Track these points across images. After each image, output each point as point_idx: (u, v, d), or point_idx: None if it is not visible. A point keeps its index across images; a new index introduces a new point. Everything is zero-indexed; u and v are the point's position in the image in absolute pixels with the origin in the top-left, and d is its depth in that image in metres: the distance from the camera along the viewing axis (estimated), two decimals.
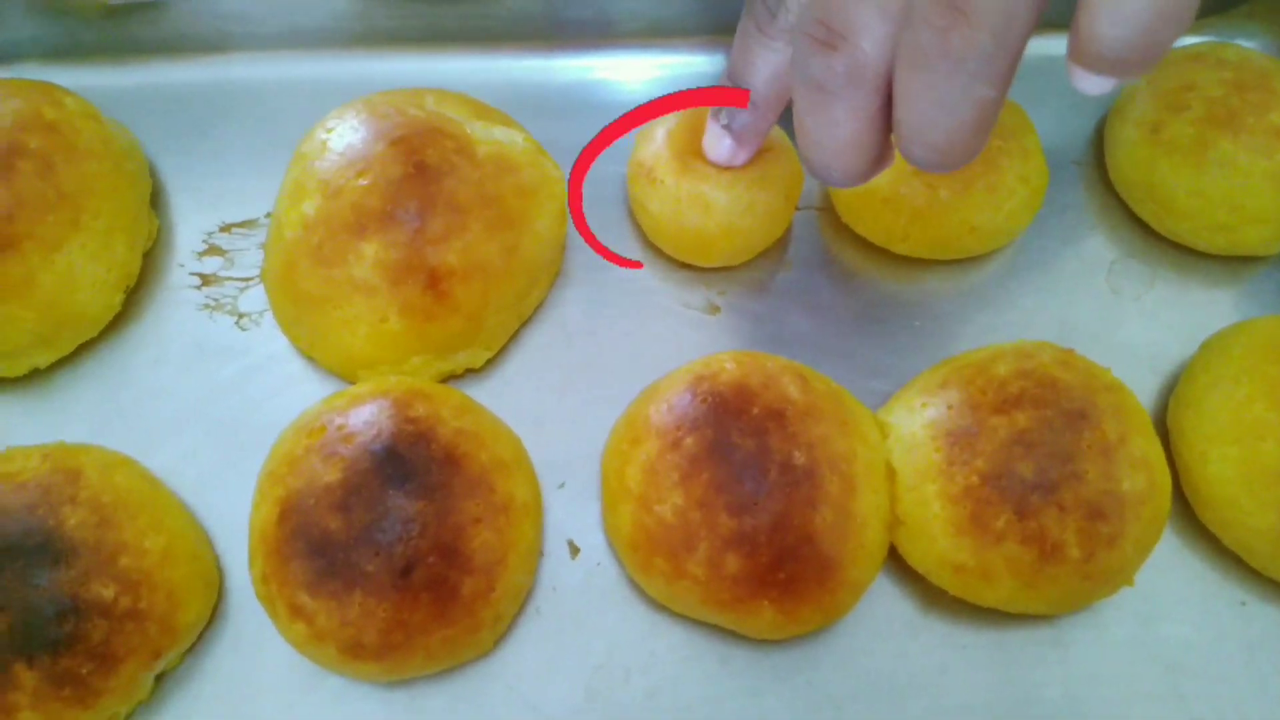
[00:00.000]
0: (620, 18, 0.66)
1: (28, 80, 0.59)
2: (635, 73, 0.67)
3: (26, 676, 0.45)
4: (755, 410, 0.48)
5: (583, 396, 0.57)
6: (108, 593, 0.47)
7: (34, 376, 0.57)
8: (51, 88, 0.59)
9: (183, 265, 0.60)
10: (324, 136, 0.55)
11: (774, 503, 0.47)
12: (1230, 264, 0.60)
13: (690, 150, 0.55)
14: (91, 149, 0.57)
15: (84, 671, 0.46)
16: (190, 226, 0.61)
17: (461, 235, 0.53)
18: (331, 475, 0.47)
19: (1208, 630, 0.52)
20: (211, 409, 0.56)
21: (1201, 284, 0.60)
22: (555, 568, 0.53)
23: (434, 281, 0.52)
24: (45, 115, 0.56)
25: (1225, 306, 0.59)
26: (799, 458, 0.47)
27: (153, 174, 0.62)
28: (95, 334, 0.57)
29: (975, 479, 0.48)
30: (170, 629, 0.48)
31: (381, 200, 0.52)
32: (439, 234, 0.52)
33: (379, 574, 0.45)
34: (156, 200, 0.61)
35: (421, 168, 0.53)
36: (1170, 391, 0.56)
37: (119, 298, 0.57)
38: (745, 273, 0.60)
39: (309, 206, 0.53)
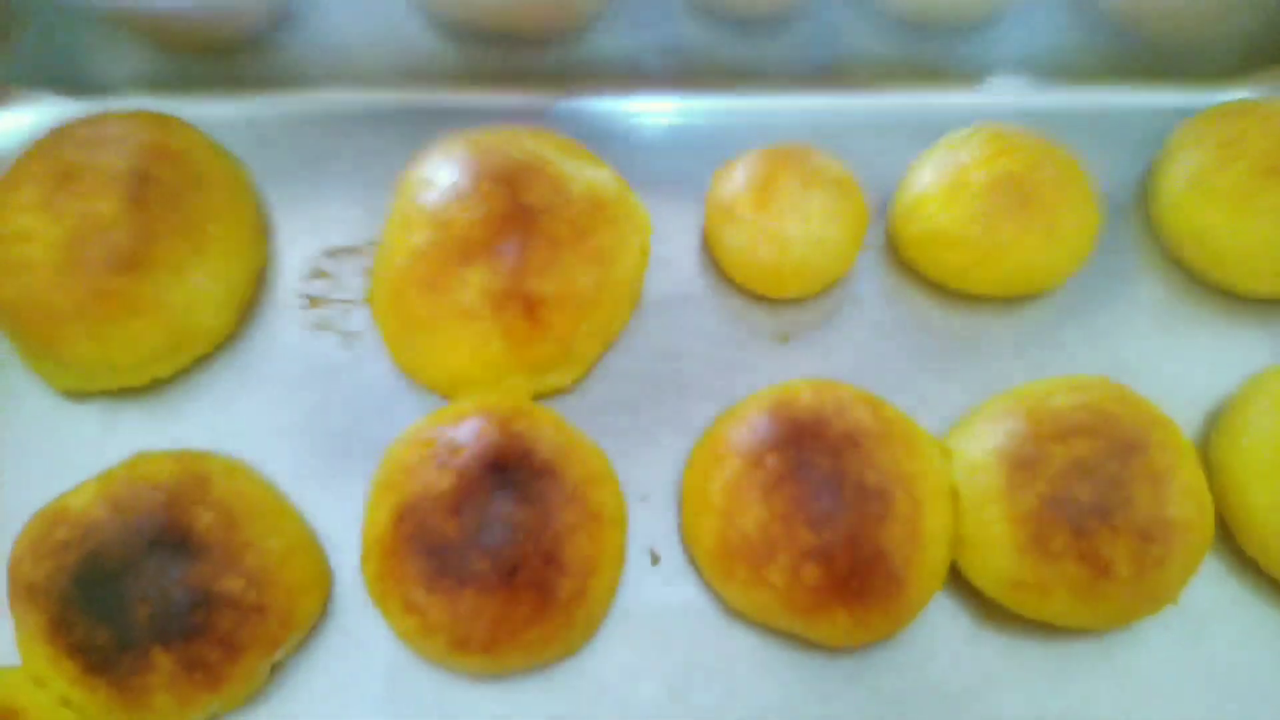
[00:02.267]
0: (700, 63, 0.70)
1: (152, 113, 0.64)
2: (714, 117, 0.70)
3: (163, 660, 0.50)
4: (831, 434, 0.52)
5: (660, 416, 0.61)
6: (236, 587, 0.51)
7: (155, 387, 0.61)
8: (174, 120, 0.63)
9: (291, 287, 0.64)
10: (430, 173, 0.59)
11: (849, 518, 0.51)
12: (1273, 307, 0.63)
13: (768, 188, 0.59)
14: (213, 178, 0.61)
15: (213, 658, 0.50)
16: (297, 251, 0.65)
17: (557, 267, 0.57)
18: (445, 483, 0.51)
19: (1248, 649, 0.56)
20: (318, 422, 0.60)
21: (1244, 325, 0.63)
22: (638, 575, 0.57)
23: (532, 308, 0.56)
24: (172, 146, 0.61)
25: (1266, 347, 0.62)
26: (872, 478, 0.51)
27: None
28: (211, 349, 0.61)
29: (1037, 502, 0.51)
30: (288, 623, 0.53)
31: (486, 234, 0.56)
32: (538, 265, 0.56)
33: (488, 574, 0.49)
34: (265, 226, 0.66)
35: (522, 204, 0.57)
36: (1213, 426, 0.59)
37: (234, 316, 0.62)
38: (814, 305, 0.64)
39: (417, 237, 0.58)
